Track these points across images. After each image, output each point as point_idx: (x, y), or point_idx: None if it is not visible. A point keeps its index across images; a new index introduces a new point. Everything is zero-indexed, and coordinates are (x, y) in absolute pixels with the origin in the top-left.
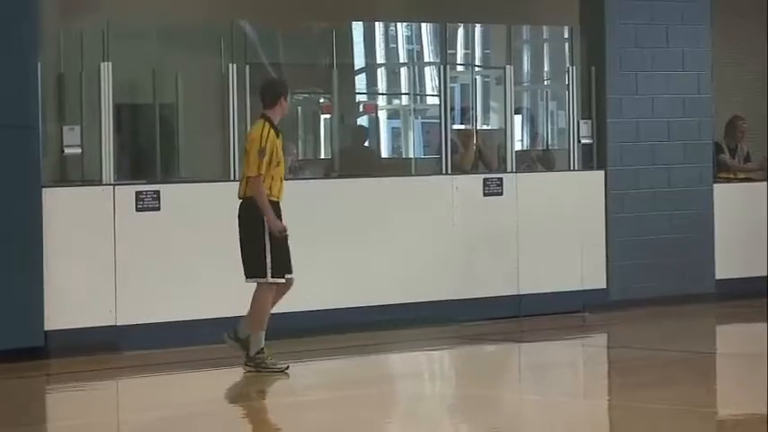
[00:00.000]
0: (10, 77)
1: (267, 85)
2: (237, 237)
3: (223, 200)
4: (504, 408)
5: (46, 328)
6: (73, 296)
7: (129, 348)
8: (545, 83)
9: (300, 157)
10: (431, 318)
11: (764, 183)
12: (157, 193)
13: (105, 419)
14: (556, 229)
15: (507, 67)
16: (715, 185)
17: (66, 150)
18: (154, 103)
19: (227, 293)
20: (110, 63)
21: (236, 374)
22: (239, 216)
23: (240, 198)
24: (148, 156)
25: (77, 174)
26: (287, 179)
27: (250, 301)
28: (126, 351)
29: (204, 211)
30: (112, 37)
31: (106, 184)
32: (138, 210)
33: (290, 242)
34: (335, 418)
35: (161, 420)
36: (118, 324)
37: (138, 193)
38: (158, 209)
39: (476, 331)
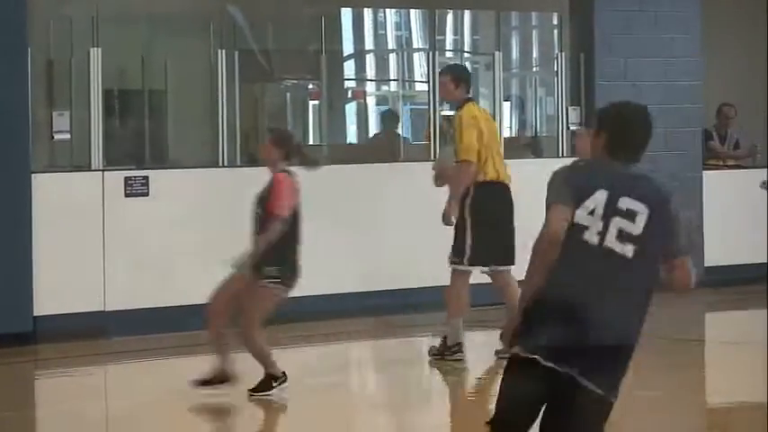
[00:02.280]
0: (1, 63)
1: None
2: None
3: (212, 186)
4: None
5: (34, 314)
6: (61, 281)
7: (118, 334)
8: (534, 69)
9: None
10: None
11: (753, 170)
12: (146, 178)
13: (93, 405)
14: (543, 215)
15: (496, 53)
16: (704, 173)
17: (56, 136)
18: (143, 89)
19: (215, 280)
20: (99, 49)
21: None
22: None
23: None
24: (138, 141)
25: (67, 159)
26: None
27: None
28: (114, 337)
29: (193, 197)
30: (102, 22)
31: (95, 170)
32: (127, 195)
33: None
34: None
35: (149, 406)
36: (106, 310)
37: (127, 179)
38: (147, 194)
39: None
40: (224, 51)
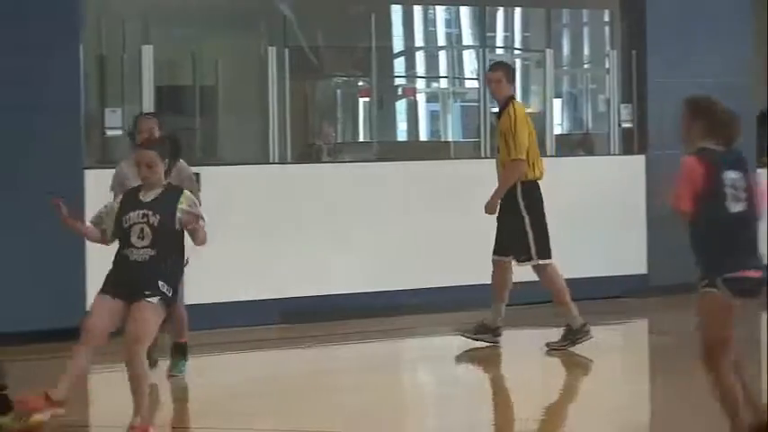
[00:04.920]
0: (52, 60)
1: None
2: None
3: (262, 182)
4: (539, 393)
5: (86, 309)
6: None
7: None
8: (585, 66)
9: (339, 141)
10: (470, 302)
11: None
12: (197, 175)
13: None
14: (596, 213)
15: (547, 50)
16: (758, 170)
17: (108, 132)
18: (194, 86)
19: (265, 275)
20: (151, 46)
21: (272, 356)
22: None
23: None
24: (188, 138)
25: (118, 155)
26: (327, 162)
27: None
28: (165, 332)
29: (243, 194)
30: (153, 19)
31: None
32: None
33: (327, 225)
34: (369, 400)
35: (200, 401)
36: None
37: None
38: (198, 190)
39: (514, 316)
40: (274, 48)
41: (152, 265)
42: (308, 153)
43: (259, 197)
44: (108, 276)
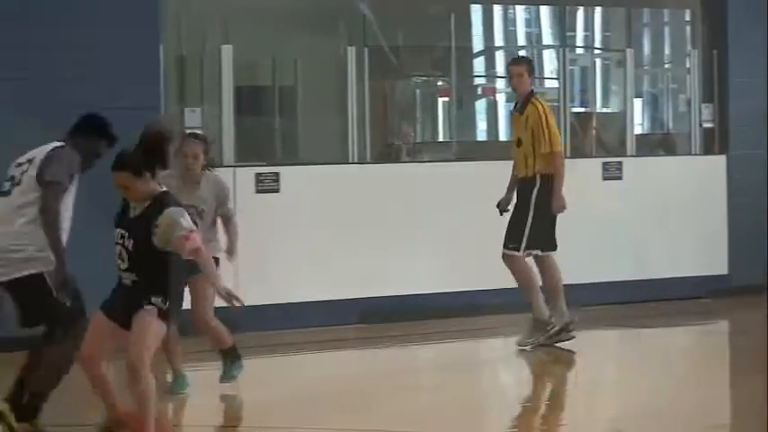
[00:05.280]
0: (132, 60)
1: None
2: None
3: (341, 182)
4: (623, 394)
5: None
6: None
7: (249, 329)
8: (665, 66)
9: (418, 140)
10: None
11: None
12: (277, 175)
13: (227, 399)
14: (676, 213)
15: (627, 49)
16: None
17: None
18: (273, 86)
19: (343, 275)
20: (230, 46)
21: (350, 356)
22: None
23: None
24: (268, 138)
25: None
26: (406, 162)
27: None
28: (245, 332)
29: (323, 194)
30: (233, 19)
31: (227, 166)
32: (258, 191)
33: (406, 225)
34: (446, 400)
35: (279, 401)
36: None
37: (258, 175)
38: (278, 191)
39: (595, 316)
40: (354, 48)
41: (136, 292)
42: (387, 153)
43: (338, 197)
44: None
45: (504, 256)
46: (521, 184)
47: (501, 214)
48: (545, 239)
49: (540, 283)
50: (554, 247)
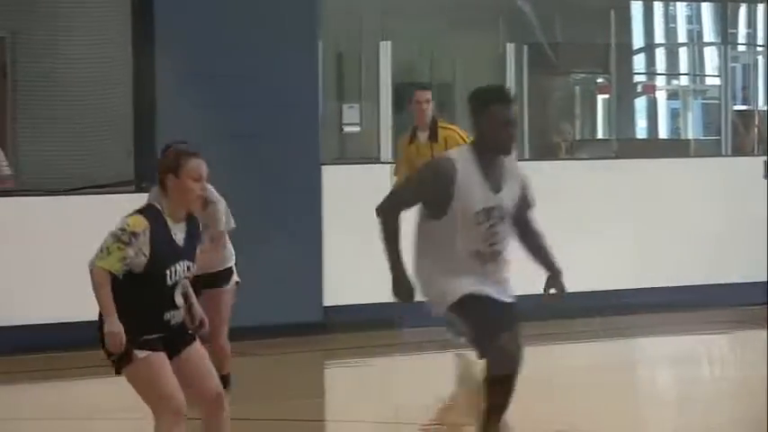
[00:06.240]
0: (291, 57)
1: None
2: None
3: None
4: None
5: (324, 304)
6: (351, 273)
7: (404, 326)
8: None
9: (577, 138)
10: (708, 301)
11: None
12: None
13: (379, 395)
14: None
15: None
16: None
17: (345, 128)
18: (431, 83)
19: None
20: (389, 42)
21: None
22: None
23: None
24: None
25: (356, 152)
26: (565, 159)
27: None
28: (402, 328)
29: None
30: (391, 16)
31: (384, 162)
32: None
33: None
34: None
35: (429, 400)
36: (394, 301)
37: None
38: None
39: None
40: (513, 45)
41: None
42: (546, 150)
43: None
44: None
45: None
46: None
47: None
48: None
49: None
50: None
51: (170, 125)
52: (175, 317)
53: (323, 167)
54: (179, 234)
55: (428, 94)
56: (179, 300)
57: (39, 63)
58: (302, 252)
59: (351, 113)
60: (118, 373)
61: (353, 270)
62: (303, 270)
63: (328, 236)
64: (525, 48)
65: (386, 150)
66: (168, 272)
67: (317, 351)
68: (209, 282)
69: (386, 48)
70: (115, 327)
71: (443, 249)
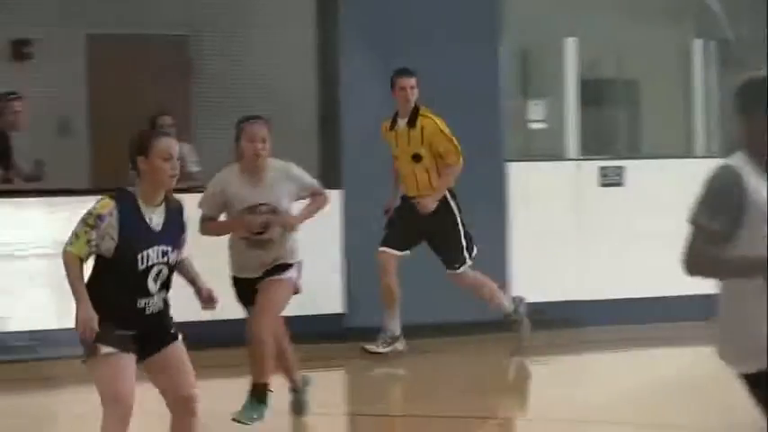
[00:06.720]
0: (475, 54)
1: None
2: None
3: (685, 177)
4: None
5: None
6: (536, 270)
7: (588, 324)
8: None
9: None
10: None
11: None
12: (621, 168)
13: (565, 393)
14: None
15: None
16: None
17: (531, 125)
18: (617, 79)
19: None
20: (575, 38)
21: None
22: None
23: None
24: (612, 132)
25: (541, 148)
26: None
27: None
28: (585, 326)
29: (666, 189)
30: (577, 12)
31: (570, 159)
32: (601, 185)
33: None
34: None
35: (623, 398)
36: (580, 299)
37: (601, 169)
38: (621, 184)
39: None
40: (701, 41)
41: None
42: (735, 147)
43: (682, 193)
44: None
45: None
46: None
47: None
48: None
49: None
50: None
51: (353, 123)
52: (150, 305)
53: (508, 164)
54: (154, 219)
55: (413, 81)
56: (152, 286)
57: (219, 58)
58: (488, 249)
59: (536, 110)
60: (84, 362)
61: (539, 267)
62: (489, 266)
63: (514, 232)
64: (713, 44)
65: (572, 147)
66: (140, 257)
67: (499, 349)
68: (269, 271)
69: (572, 44)
70: (85, 313)
71: None
